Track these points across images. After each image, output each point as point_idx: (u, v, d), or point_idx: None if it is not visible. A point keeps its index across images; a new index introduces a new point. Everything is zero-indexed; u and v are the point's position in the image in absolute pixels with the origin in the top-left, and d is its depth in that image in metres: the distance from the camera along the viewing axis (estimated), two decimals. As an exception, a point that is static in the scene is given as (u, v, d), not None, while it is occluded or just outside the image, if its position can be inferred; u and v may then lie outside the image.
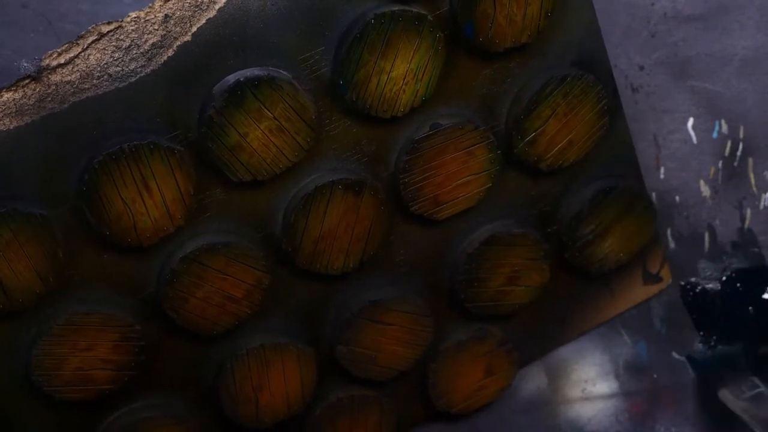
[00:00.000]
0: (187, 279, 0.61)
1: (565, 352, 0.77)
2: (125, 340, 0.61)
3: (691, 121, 0.75)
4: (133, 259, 0.61)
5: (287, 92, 0.59)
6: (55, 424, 0.63)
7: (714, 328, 0.78)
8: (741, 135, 0.76)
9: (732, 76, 0.74)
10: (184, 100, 0.59)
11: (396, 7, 0.60)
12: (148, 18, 0.57)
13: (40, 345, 0.59)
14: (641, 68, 0.73)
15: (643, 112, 0.74)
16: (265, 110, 0.59)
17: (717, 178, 0.76)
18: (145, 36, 0.57)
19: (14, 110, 0.56)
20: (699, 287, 0.78)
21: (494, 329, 0.72)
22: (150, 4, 0.57)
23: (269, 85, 0.59)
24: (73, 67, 0.56)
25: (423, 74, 0.62)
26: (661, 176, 0.75)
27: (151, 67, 0.58)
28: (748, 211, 0.77)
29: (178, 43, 0.58)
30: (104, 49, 0.57)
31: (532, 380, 0.77)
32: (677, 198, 0.76)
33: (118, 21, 0.57)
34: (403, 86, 0.62)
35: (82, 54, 0.56)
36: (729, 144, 0.76)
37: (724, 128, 0.75)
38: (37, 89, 0.56)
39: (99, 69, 0.57)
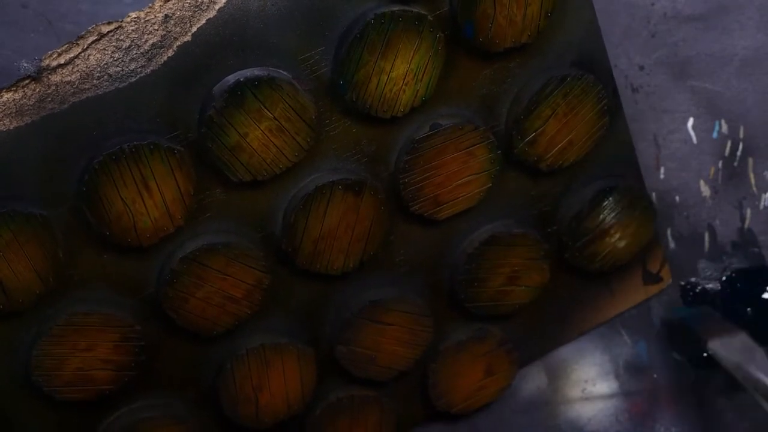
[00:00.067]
0: (187, 279, 0.61)
1: (565, 352, 0.77)
2: (125, 341, 0.61)
3: (691, 121, 0.75)
4: (133, 259, 0.61)
5: (287, 92, 0.59)
6: (55, 424, 0.63)
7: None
8: (741, 135, 0.76)
9: (732, 76, 0.74)
10: (184, 100, 0.59)
11: (396, 8, 0.60)
12: (148, 18, 0.57)
13: (40, 345, 0.59)
14: (641, 68, 0.73)
15: (643, 112, 0.74)
16: (265, 110, 0.59)
17: (717, 178, 0.76)
18: (145, 36, 0.57)
19: (14, 110, 0.56)
20: (699, 287, 0.78)
21: (494, 329, 0.72)
22: (150, 5, 0.57)
23: (269, 85, 0.59)
24: (73, 68, 0.56)
25: (423, 74, 0.62)
26: (661, 176, 0.75)
27: (151, 68, 0.58)
28: (748, 211, 0.77)
29: (178, 43, 0.58)
30: (104, 49, 0.57)
31: (532, 380, 0.77)
32: (677, 198, 0.76)
33: (118, 21, 0.57)
34: (403, 86, 0.62)
35: (82, 54, 0.56)
36: (729, 144, 0.76)
37: (724, 128, 0.75)
38: (37, 89, 0.56)
39: (99, 69, 0.57)
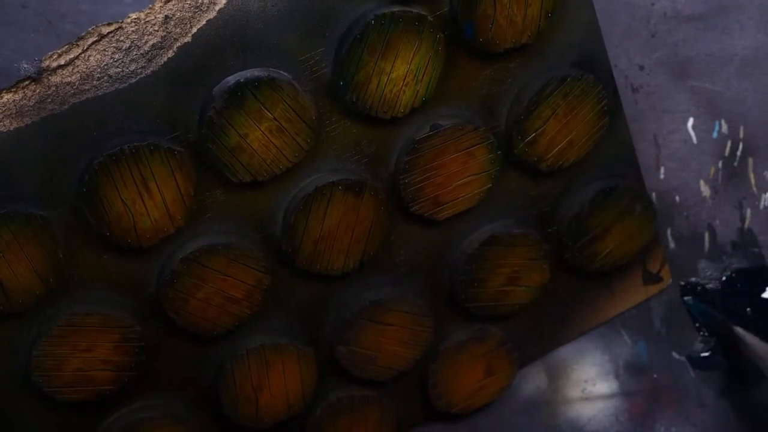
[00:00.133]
0: (188, 280, 0.61)
1: (565, 352, 0.77)
2: (125, 341, 0.61)
3: (691, 121, 0.75)
4: (133, 259, 0.61)
5: (287, 93, 0.59)
6: (55, 425, 0.63)
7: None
8: (741, 135, 0.76)
9: (732, 76, 0.74)
10: (184, 101, 0.59)
11: (396, 8, 0.60)
12: (148, 19, 0.57)
13: (40, 346, 0.59)
14: (641, 68, 0.73)
15: (643, 112, 0.74)
16: (266, 111, 0.59)
17: (717, 178, 0.76)
18: (146, 37, 0.57)
19: (14, 111, 0.56)
20: (699, 287, 0.78)
21: (494, 329, 0.72)
22: (150, 5, 0.57)
23: (269, 86, 0.59)
24: (73, 69, 0.56)
25: (423, 75, 0.62)
26: (661, 176, 0.75)
27: (152, 69, 0.58)
28: (748, 211, 0.77)
29: (179, 44, 0.58)
30: (104, 50, 0.57)
31: (532, 380, 0.77)
32: (677, 198, 0.76)
33: (118, 22, 0.57)
34: (404, 87, 0.62)
35: (83, 55, 0.56)
36: (729, 144, 0.76)
37: (724, 128, 0.75)
38: (37, 90, 0.56)
39: (99, 70, 0.57)
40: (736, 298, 0.78)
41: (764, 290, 0.78)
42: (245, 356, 0.65)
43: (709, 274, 0.78)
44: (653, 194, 0.75)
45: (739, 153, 0.76)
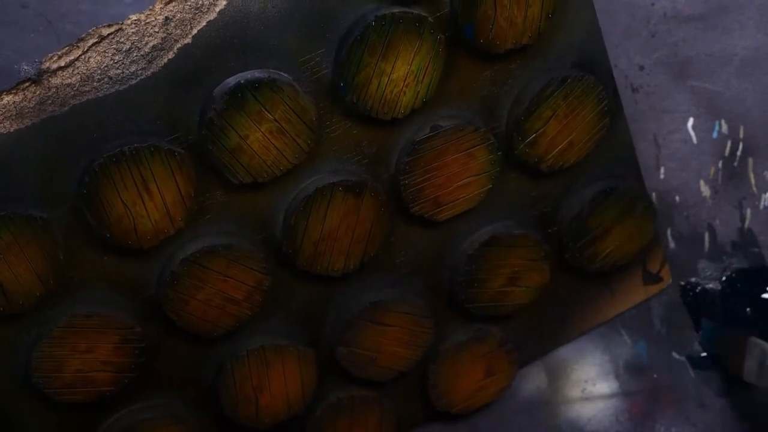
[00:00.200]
0: (188, 281, 0.61)
1: (565, 352, 0.77)
2: (125, 342, 0.61)
3: (691, 121, 0.75)
4: (133, 261, 0.61)
5: (288, 94, 0.59)
6: (55, 425, 0.63)
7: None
8: (741, 135, 0.76)
9: (732, 76, 0.74)
10: (184, 102, 0.59)
11: (396, 9, 0.60)
12: (148, 20, 0.57)
13: (40, 347, 0.59)
14: (641, 68, 0.73)
15: (643, 112, 0.74)
16: (266, 112, 0.59)
17: (717, 178, 0.76)
18: (146, 38, 0.57)
19: (14, 113, 0.56)
20: (699, 287, 0.78)
21: (494, 330, 0.72)
22: (150, 7, 0.57)
23: (270, 87, 0.59)
24: (73, 70, 0.56)
25: (424, 76, 0.62)
26: (661, 176, 0.75)
27: (152, 70, 0.57)
28: (748, 211, 0.77)
29: (179, 45, 0.58)
30: (104, 51, 0.56)
31: (532, 380, 0.77)
32: (677, 198, 0.76)
33: (118, 23, 0.57)
34: (404, 88, 0.62)
35: (83, 57, 0.56)
36: (729, 144, 0.76)
37: (724, 128, 0.75)
38: (38, 92, 0.56)
39: (99, 72, 0.57)
40: (736, 298, 0.78)
41: (764, 290, 0.78)
42: (245, 357, 0.65)
43: (709, 274, 0.78)
44: (653, 194, 0.75)
45: (739, 153, 0.76)
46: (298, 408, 0.68)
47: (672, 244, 0.77)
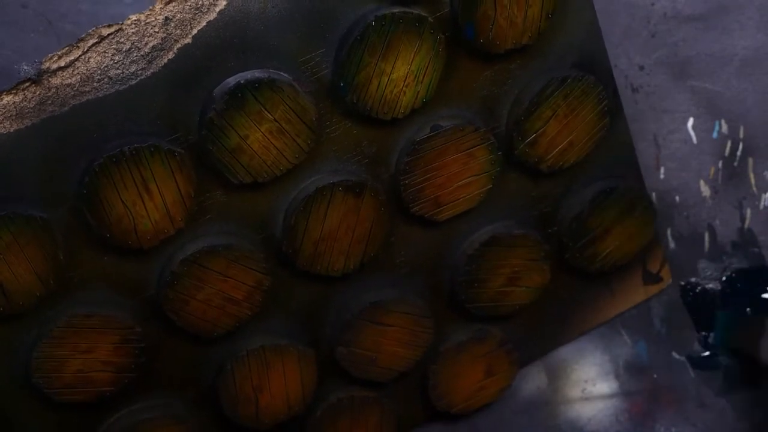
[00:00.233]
0: (188, 281, 0.61)
1: (565, 352, 0.77)
2: (125, 342, 0.61)
3: (691, 121, 0.75)
4: (133, 261, 0.61)
5: (288, 94, 0.59)
6: (55, 425, 0.63)
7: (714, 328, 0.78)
8: (741, 135, 0.76)
9: (732, 76, 0.74)
10: (184, 102, 0.59)
11: (396, 9, 0.60)
12: (148, 21, 0.57)
13: (40, 347, 0.59)
14: (641, 68, 0.73)
15: (643, 112, 0.74)
16: (266, 112, 0.59)
17: (717, 178, 0.76)
18: (146, 39, 0.57)
19: (14, 113, 0.56)
20: (699, 287, 0.78)
21: (494, 330, 0.72)
22: (150, 7, 0.57)
23: (270, 87, 0.59)
24: (73, 70, 0.56)
25: (424, 76, 0.62)
26: (661, 176, 0.75)
27: (152, 70, 0.57)
28: (748, 211, 0.77)
29: (179, 45, 0.58)
30: (104, 51, 0.56)
31: (532, 380, 0.77)
32: (677, 198, 0.76)
33: (118, 24, 0.57)
34: (404, 88, 0.62)
35: (83, 57, 0.56)
36: (729, 144, 0.76)
37: (724, 128, 0.75)
38: (38, 92, 0.56)
39: (99, 72, 0.57)
40: (736, 298, 0.78)
41: (764, 290, 0.78)
42: (245, 357, 0.65)
43: (709, 274, 0.78)
44: (653, 194, 0.75)
45: (739, 153, 0.76)
46: (298, 408, 0.68)
47: (672, 244, 0.77)
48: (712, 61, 0.74)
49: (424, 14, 0.61)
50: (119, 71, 0.57)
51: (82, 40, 0.56)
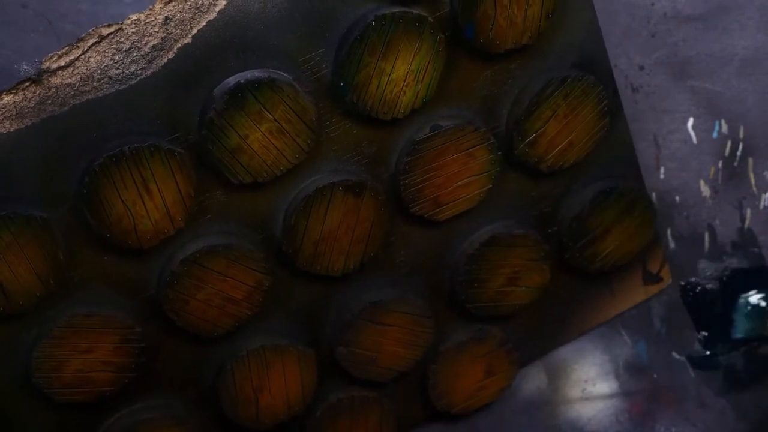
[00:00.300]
0: (188, 281, 0.61)
1: (565, 352, 0.77)
2: (125, 342, 0.61)
3: (691, 121, 0.75)
4: (133, 261, 0.61)
5: (288, 94, 0.59)
6: (55, 425, 0.63)
7: (714, 328, 0.78)
8: (741, 135, 0.76)
9: (732, 76, 0.74)
10: (184, 102, 0.59)
11: (396, 9, 0.60)
12: (148, 20, 0.57)
13: (40, 347, 0.59)
14: (641, 68, 0.73)
15: (643, 112, 0.74)
16: (266, 112, 0.59)
17: (717, 178, 0.76)
18: (146, 38, 0.57)
19: (14, 113, 0.56)
20: (699, 287, 0.78)
21: (494, 330, 0.72)
22: (150, 7, 0.57)
23: (270, 87, 0.59)
24: (73, 70, 0.56)
25: (423, 76, 0.62)
26: (661, 176, 0.75)
27: (152, 70, 0.57)
28: (748, 211, 0.77)
29: (179, 45, 0.58)
30: (104, 51, 0.56)
31: (532, 380, 0.77)
32: (677, 198, 0.76)
33: (118, 23, 0.57)
34: (404, 88, 0.62)
35: (83, 56, 0.56)
36: (729, 144, 0.76)
37: (724, 128, 0.75)
38: (38, 92, 0.56)
39: (99, 71, 0.57)
40: (736, 299, 0.77)
41: (764, 290, 0.78)
42: (245, 357, 0.65)
43: (709, 274, 0.78)
44: (653, 194, 0.75)
45: (739, 153, 0.76)
46: (298, 408, 0.68)
47: (672, 244, 0.77)
48: (712, 61, 0.74)
49: (424, 14, 0.61)
50: (119, 71, 0.57)
51: (82, 39, 0.56)
